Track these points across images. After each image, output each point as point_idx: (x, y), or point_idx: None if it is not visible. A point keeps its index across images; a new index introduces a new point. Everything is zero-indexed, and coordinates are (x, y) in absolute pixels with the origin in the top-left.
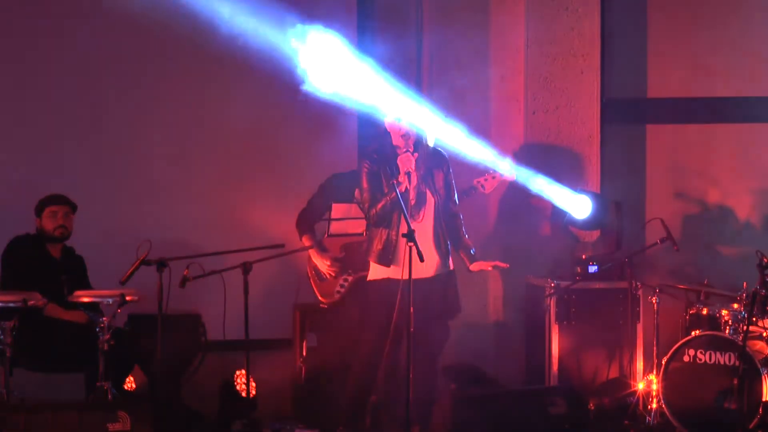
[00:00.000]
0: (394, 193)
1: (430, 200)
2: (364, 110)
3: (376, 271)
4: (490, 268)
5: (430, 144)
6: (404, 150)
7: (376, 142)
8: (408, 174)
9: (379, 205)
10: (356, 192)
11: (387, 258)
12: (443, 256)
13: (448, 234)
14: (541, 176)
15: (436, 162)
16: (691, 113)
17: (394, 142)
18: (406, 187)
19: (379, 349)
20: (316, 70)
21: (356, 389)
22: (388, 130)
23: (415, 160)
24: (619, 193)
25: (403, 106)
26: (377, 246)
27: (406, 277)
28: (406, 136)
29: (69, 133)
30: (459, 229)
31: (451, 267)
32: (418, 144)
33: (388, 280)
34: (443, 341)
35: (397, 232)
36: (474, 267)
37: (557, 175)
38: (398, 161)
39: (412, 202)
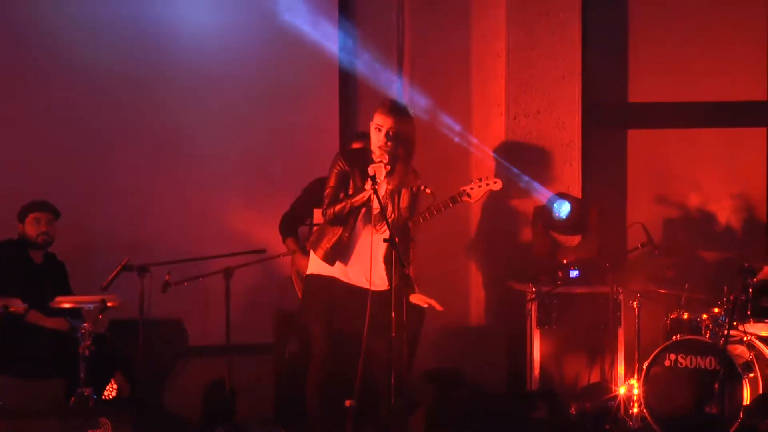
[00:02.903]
0: (355, 199)
1: (390, 217)
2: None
3: (318, 266)
4: (425, 305)
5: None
6: (378, 160)
7: (359, 143)
8: (374, 182)
9: (338, 207)
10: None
11: (332, 257)
12: (391, 272)
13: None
14: (523, 181)
15: (408, 181)
16: (672, 118)
17: (372, 148)
18: (370, 195)
19: (329, 342)
20: None
21: (319, 385)
22: (370, 135)
23: (386, 173)
24: (601, 197)
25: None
26: (326, 244)
27: (350, 280)
28: (383, 147)
29: (49, 137)
30: (405, 253)
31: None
32: (395, 160)
33: (331, 279)
34: (398, 352)
35: (350, 235)
36: (412, 298)
37: (539, 179)
38: (369, 168)
39: (376, 212)
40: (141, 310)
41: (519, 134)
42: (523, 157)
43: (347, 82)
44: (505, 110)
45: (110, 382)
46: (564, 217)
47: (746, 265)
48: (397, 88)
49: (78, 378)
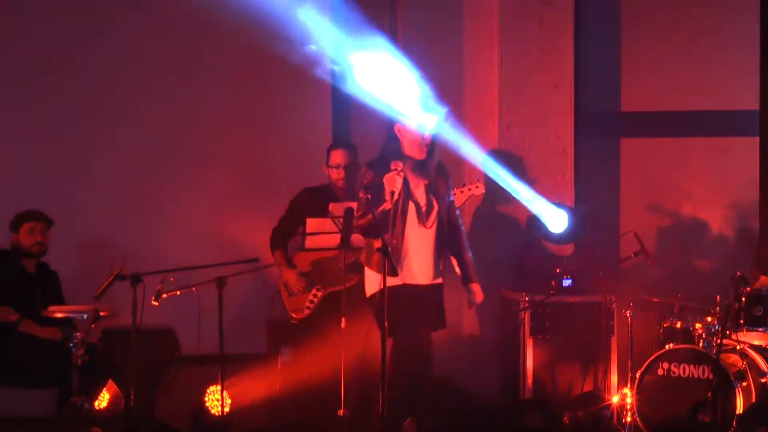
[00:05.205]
0: (380, 209)
1: (435, 208)
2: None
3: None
4: (477, 301)
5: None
6: (393, 168)
7: (381, 149)
8: (392, 193)
9: (363, 221)
10: (330, 206)
11: (394, 267)
12: (438, 266)
13: (449, 246)
14: (516, 190)
15: (441, 171)
16: (665, 127)
17: (407, 152)
18: (390, 205)
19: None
20: None
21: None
22: (399, 134)
23: (403, 180)
24: (594, 206)
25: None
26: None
27: (413, 280)
28: (421, 145)
29: (42, 146)
30: (461, 243)
31: (441, 281)
32: (432, 154)
33: (397, 288)
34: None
35: (401, 240)
36: (474, 287)
37: (532, 189)
38: (384, 180)
39: (423, 208)
40: (133, 319)
41: (512, 143)
42: (516, 166)
43: (339, 91)
44: (498, 119)
45: (102, 391)
46: (559, 231)
47: (739, 274)
48: None
49: (70, 387)
